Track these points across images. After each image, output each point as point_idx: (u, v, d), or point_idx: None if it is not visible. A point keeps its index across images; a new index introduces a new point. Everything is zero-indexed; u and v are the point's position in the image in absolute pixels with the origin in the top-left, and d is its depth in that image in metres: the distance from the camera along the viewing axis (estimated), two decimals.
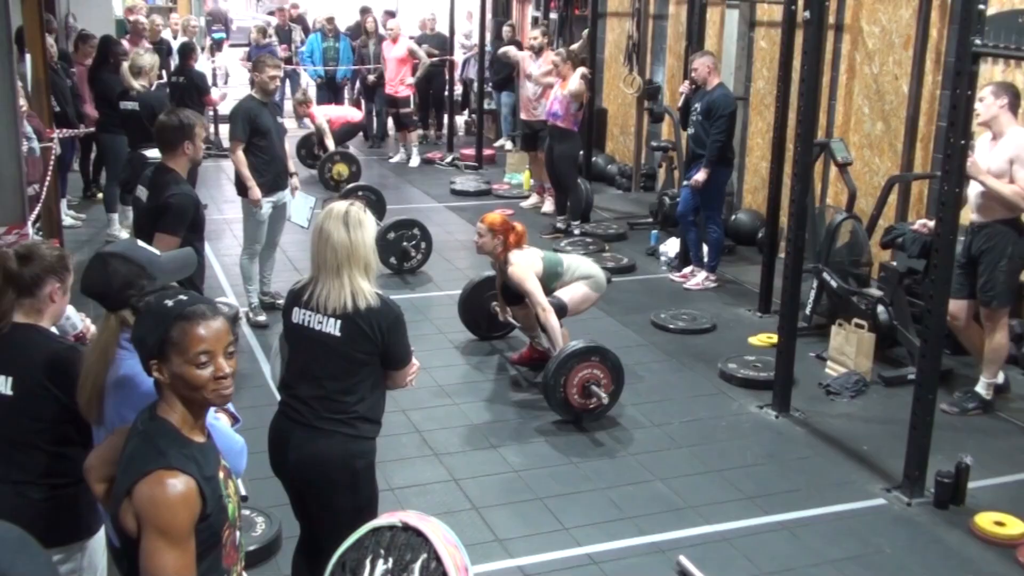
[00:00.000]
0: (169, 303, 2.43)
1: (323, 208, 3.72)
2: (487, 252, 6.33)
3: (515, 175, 12.23)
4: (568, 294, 6.27)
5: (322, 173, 11.45)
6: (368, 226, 3.53)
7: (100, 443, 2.78)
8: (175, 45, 12.16)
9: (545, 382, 5.81)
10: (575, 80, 9.47)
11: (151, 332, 2.41)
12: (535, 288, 6.11)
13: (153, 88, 8.49)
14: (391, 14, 14.65)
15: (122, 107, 8.38)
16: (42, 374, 3.05)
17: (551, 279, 6.28)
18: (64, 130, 8.92)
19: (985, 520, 4.83)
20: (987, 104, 5.74)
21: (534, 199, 11.11)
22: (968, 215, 5.98)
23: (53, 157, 7.50)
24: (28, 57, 7.29)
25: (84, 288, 2.91)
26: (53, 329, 3.27)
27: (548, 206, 10.64)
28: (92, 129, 9.55)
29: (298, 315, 3.58)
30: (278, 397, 3.77)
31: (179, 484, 2.31)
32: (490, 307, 6.94)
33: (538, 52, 10.55)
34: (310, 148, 12.74)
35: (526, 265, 6.19)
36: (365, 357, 3.52)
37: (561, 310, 6.19)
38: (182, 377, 2.41)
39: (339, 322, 3.48)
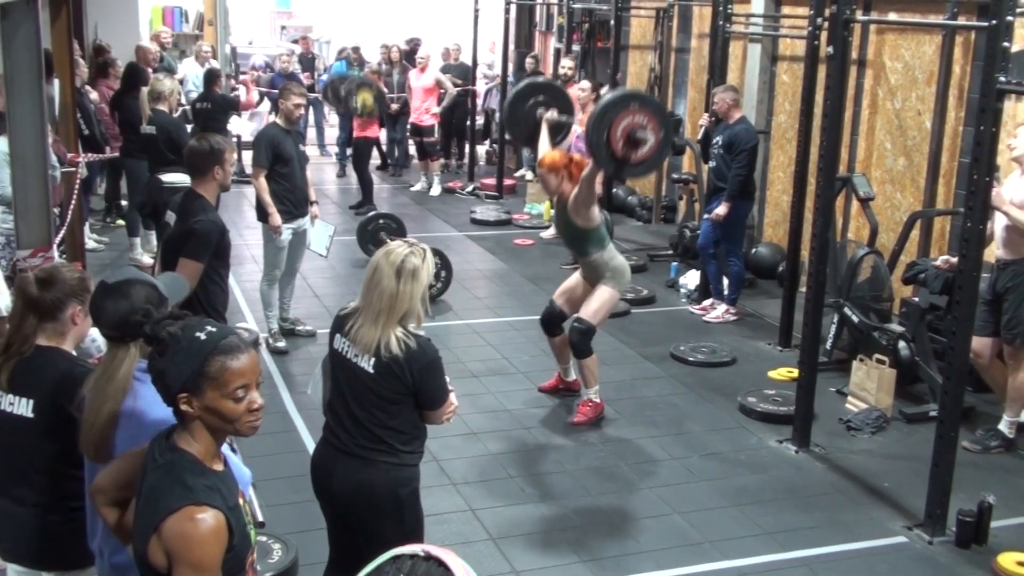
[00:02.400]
0: (201, 335, 2.38)
1: (369, 239, 3.74)
2: (552, 192, 6.25)
3: (535, 205, 12.25)
4: (594, 307, 6.17)
5: (348, 103, 11.46)
6: (422, 278, 3.51)
7: (109, 465, 2.75)
8: (200, 72, 12.25)
9: (588, 140, 5.65)
10: None
11: (184, 365, 2.36)
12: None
13: (177, 114, 8.55)
14: (416, 42, 14.78)
15: (142, 131, 8.38)
16: (63, 397, 3.06)
17: (597, 240, 6.19)
18: (90, 154, 8.99)
19: (1008, 560, 4.77)
20: (1022, 140, 5.73)
21: (553, 230, 11.11)
22: (994, 252, 5.96)
23: (78, 181, 7.55)
24: (56, 81, 7.37)
25: (108, 320, 2.84)
26: (75, 352, 3.29)
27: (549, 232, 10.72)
28: (116, 154, 9.63)
29: (339, 342, 3.60)
30: (320, 417, 3.78)
31: (209, 519, 2.30)
32: (535, 115, 6.87)
33: (566, 83, 10.56)
34: (336, 91, 12.74)
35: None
36: (397, 396, 3.52)
37: (590, 332, 6.16)
38: (217, 411, 2.39)
39: (373, 360, 3.49)
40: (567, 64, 10.74)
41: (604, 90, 11.18)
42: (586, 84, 9.96)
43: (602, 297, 6.20)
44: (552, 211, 6.33)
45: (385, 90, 12.42)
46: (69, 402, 3.04)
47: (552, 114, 6.89)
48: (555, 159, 6.21)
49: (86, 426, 2.83)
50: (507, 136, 7.75)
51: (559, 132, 6.88)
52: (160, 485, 2.37)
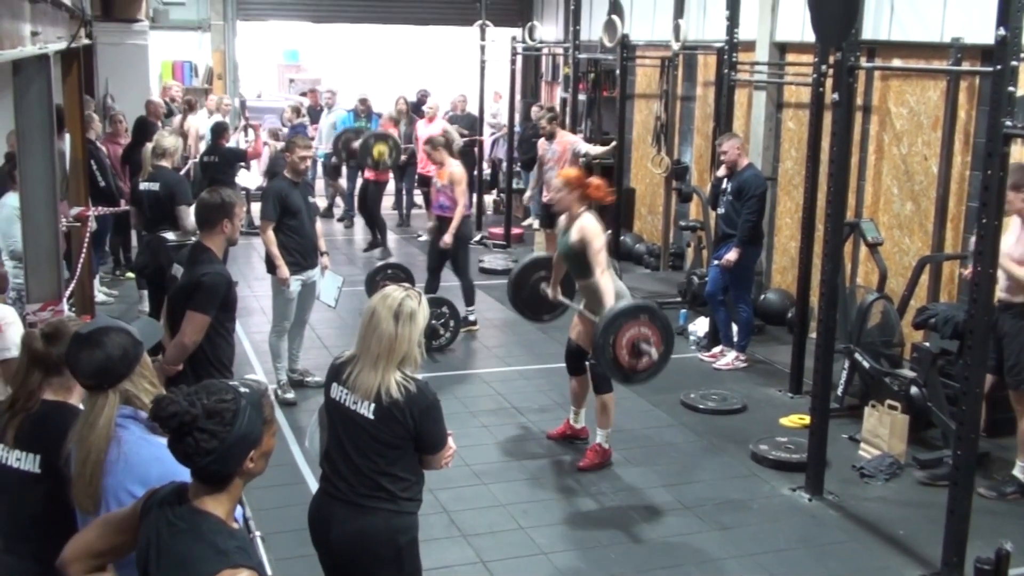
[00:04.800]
0: (245, 389, 2.43)
1: (378, 289, 3.73)
2: (564, 208, 6.22)
3: (543, 254, 12.23)
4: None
5: (363, 154, 11.46)
6: (419, 320, 3.54)
7: (80, 534, 2.71)
8: (208, 124, 12.36)
9: (594, 342, 5.69)
10: (455, 167, 9.16)
11: (257, 421, 2.41)
12: (602, 246, 5.97)
13: (184, 169, 8.56)
14: (424, 94, 14.95)
15: (142, 188, 7.99)
16: (63, 455, 3.03)
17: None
18: (100, 207, 9.03)
19: None
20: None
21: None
22: (996, 293, 5.92)
23: (88, 234, 7.59)
24: (67, 136, 7.43)
25: (84, 369, 2.83)
26: (82, 405, 3.27)
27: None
28: (129, 207, 9.67)
29: (336, 391, 3.61)
30: (320, 469, 3.76)
31: None
32: (539, 289, 6.85)
33: (550, 137, 10.51)
34: (348, 143, 12.77)
35: (598, 226, 6.07)
36: (398, 441, 3.52)
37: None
38: (268, 452, 2.47)
39: (372, 405, 3.49)
40: (542, 123, 10.60)
41: (603, 150, 11.20)
42: (434, 137, 9.48)
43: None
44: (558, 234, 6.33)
45: (399, 140, 12.49)
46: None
47: (552, 293, 6.77)
48: (570, 175, 6.26)
49: (77, 479, 2.81)
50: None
51: (557, 307, 6.89)
52: (190, 551, 2.36)
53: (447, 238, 8.98)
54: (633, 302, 5.86)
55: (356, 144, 12.14)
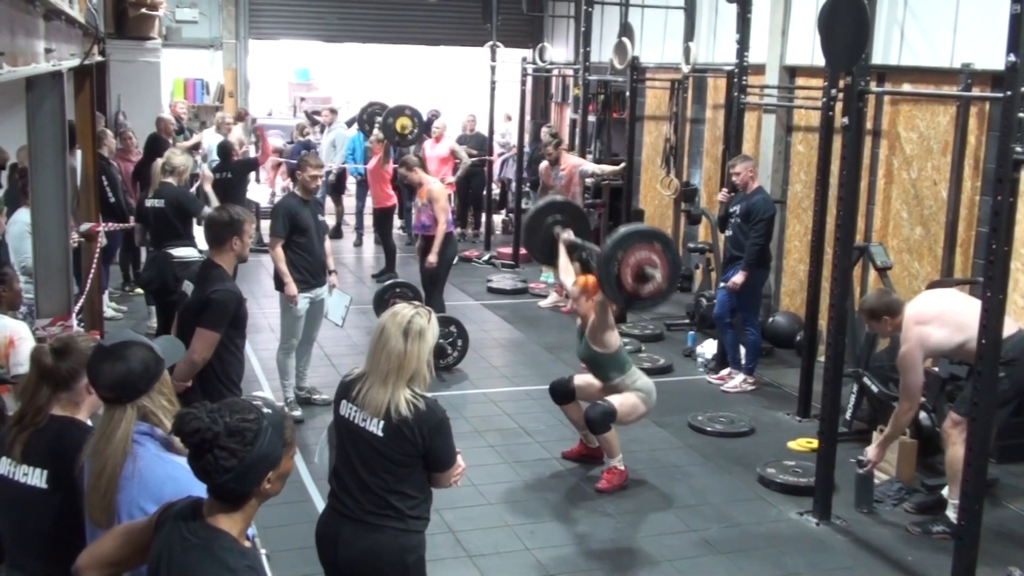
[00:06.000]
0: (268, 410, 2.44)
1: (386, 308, 3.74)
2: (582, 313, 6.32)
3: (550, 275, 12.22)
4: (619, 400, 6.21)
5: (388, 134, 11.33)
6: (428, 338, 3.56)
7: (96, 543, 2.73)
8: (216, 142, 12.40)
9: (602, 252, 5.66)
10: (434, 185, 9.25)
11: (276, 443, 2.42)
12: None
13: (194, 187, 8.57)
14: (435, 113, 15.00)
15: (147, 204, 8.04)
16: (77, 468, 3.04)
17: (617, 365, 6.26)
18: (110, 223, 9.05)
19: None
20: None
21: (551, 299, 11.05)
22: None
23: (98, 250, 7.61)
24: (79, 152, 7.46)
25: (104, 382, 2.87)
26: (90, 421, 3.28)
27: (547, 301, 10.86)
28: (136, 225, 9.70)
29: (345, 408, 3.62)
30: (328, 486, 3.76)
31: None
32: (553, 232, 6.86)
33: (555, 163, 10.57)
34: (371, 117, 12.74)
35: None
36: (406, 459, 3.52)
37: (610, 415, 6.13)
38: (285, 474, 2.48)
39: (382, 423, 3.50)
40: (548, 149, 10.68)
41: (611, 170, 11.27)
42: (408, 158, 9.57)
43: (631, 400, 6.24)
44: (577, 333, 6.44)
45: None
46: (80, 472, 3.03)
47: (568, 234, 6.82)
48: (590, 281, 6.27)
49: (90, 492, 2.83)
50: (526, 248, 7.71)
51: (574, 251, 6.88)
52: (200, 568, 2.38)
53: (432, 258, 9.03)
54: (644, 226, 5.83)
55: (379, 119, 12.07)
